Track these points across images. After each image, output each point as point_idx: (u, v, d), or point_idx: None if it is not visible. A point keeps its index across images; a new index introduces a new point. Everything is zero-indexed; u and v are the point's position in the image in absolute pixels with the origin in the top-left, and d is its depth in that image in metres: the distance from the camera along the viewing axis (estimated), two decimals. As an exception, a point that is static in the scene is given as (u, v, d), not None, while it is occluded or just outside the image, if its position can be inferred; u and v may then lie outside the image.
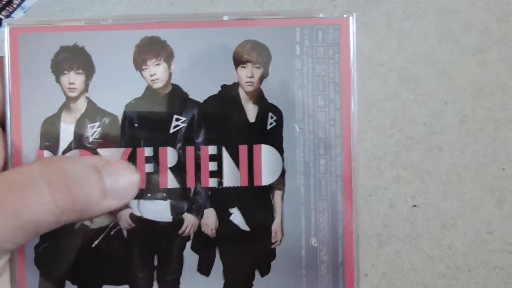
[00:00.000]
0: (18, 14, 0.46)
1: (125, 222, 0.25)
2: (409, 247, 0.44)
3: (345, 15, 0.25)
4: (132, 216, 0.25)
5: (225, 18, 0.25)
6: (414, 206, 0.44)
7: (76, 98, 0.25)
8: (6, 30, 0.25)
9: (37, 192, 0.20)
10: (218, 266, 0.25)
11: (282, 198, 0.25)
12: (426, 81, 0.47)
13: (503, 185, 0.45)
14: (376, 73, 0.47)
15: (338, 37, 0.25)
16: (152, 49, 0.25)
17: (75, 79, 0.25)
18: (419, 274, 0.43)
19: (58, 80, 0.25)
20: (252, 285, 0.25)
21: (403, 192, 0.45)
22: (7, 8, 0.45)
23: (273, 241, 0.25)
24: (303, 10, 0.25)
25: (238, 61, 0.25)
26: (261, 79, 0.25)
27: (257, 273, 0.25)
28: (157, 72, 0.25)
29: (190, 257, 0.25)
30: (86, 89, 0.25)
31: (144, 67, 0.25)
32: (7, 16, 0.44)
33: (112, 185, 0.21)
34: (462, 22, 0.49)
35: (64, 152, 0.25)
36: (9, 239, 0.20)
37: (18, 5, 0.45)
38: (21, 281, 0.25)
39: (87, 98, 0.25)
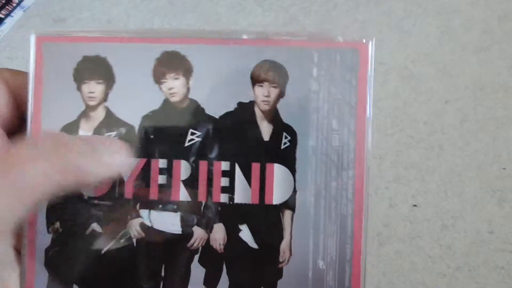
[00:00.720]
0: (17, 13, 0.47)
1: (134, 231, 0.26)
2: (409, 247, 0.43)
3: (364, 40, 0.25)
4: (142, 226, 0.26)
5: (245, 36, 0.25)
6: (415, 205, 0.44)
7: (95, 107, 0.26)
8: (32, 38, 0.26)
9: (36, 164, 0.20)
10: (224, 281, 0.25)
11: (292, 218, 0.25)
12: (427, 80, 0.47)
13: (504, 185, 0.44)
14: (376, 72, 0.47)
15: (357, 62, 0.25)
16: (171, 63, 0.25)
17: (95, 88, 0.26)
18: (419, 274, 0.43)
19: (79, 88, 0.26)
20: (257, 302, 0.25)
21: (404, 191, 0.44)
22: (7, 7, 0.46)
23: (280, 260, 0.25)
24: (322, 32, 0.25)
25: (255, 80, 0.25)
26: (277, 98, 0.25)
27: (262, 291, 0.25)
28: (175, 86, 0.25)
29: (197, 270, 0.25)
30: (105, 98, 0.26)
31: (162, 80, 0.26)
32: (7, 15, 0.45)
33: (104, 153, 0.22)
34: (463, 21, 0.48)
35: (81, 159, 0.26)
36: (13, 215, 0.21)
37: (18, 4, 0.46)
38: (30, 282, 0.25)
39: (106, 107, 0.26)
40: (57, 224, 0.26)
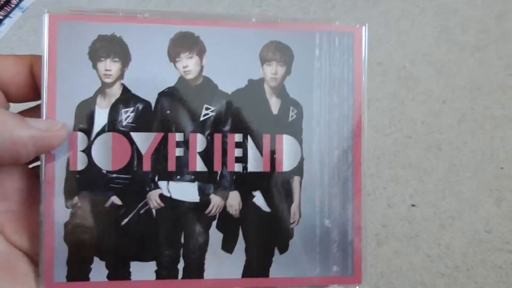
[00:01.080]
0: (16, 14, 0.46)
1: (154, 202, 0.27)
2: (407, 247, 0.43)
3: (358, 25, 0.28)
4: (162, 197, 0.27)
5: (254, 20, 0.28)
6: (413, 205, 0.44)
7: (111, 84, 0.27)
8: (45, 17, 0.26)
9: None
10: (240, 244, 0.27)
11: (300, 183, 0.28)
12: (425, 80, 0.47)
13: (502, 184, 0.45)
14: (374, 72, 0.47)
15: (352, 44, 0.28)
16: (185, 43, 0.27)
17: (111, 66, 0.27)
18: (418, 274, 0.43)
19: (94, 66, 0.27)
20: (272, 261, 0.27)
21: (402, 191, 0.45)
22: (5, 8, 0.45)
23: (291, 221, 0.28)
24: (321, 17, 0.28)
25: (264, 59, 0.28)
26: (284, 76, 0.28)
27: (276, 251, 0.28)
28: (189, 65, 0.27)
29: (215, 236, 0.27)
30: (121, 76, 0.27)
31: (177, 59, 0.27)
32: (5, 16, 0.44)
33: (33, 121, 0.24)
34: (460, 21, 0.49)
35: (98, 134, 0.27)
36: None
37: (17, 5, 0.46)
38: (49, 257, 0.26)
39: (122, 84, 0.27)
40: (75, 199, 0.26)
